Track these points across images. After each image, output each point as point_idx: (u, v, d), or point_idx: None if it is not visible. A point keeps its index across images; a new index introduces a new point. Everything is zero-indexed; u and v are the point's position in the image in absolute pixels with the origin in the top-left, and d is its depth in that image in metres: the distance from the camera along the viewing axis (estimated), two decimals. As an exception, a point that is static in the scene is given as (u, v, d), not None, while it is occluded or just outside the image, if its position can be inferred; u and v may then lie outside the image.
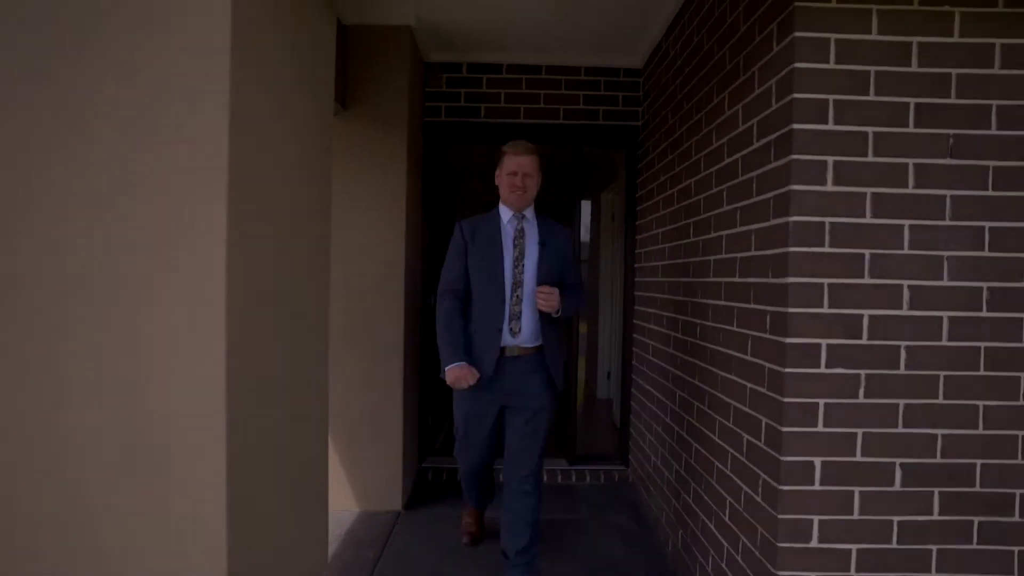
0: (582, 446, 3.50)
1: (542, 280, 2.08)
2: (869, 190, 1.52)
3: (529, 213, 2.18)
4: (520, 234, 2.13)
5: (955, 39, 1.51)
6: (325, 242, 1.73)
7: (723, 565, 1.92)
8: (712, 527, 2.03)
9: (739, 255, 1.85)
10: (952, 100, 1.52)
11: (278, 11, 1.30)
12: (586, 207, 5.45)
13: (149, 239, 1.05)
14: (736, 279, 1.87)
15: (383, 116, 2.75)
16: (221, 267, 1.05)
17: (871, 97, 1.52)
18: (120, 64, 1.03)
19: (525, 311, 2.08)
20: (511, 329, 2.07)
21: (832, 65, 1.51)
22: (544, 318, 2.11)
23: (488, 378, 2.07)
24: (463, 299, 2.14)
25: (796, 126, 1.51)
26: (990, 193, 1.53)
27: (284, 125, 1.36)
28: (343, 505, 2.78)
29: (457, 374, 2.03)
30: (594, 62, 3.22)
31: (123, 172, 1.03)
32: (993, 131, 1.52)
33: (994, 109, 1.52)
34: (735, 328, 1.86)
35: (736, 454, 1.84)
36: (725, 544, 1.90)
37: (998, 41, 1.51)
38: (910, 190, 1.53)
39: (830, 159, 1.52)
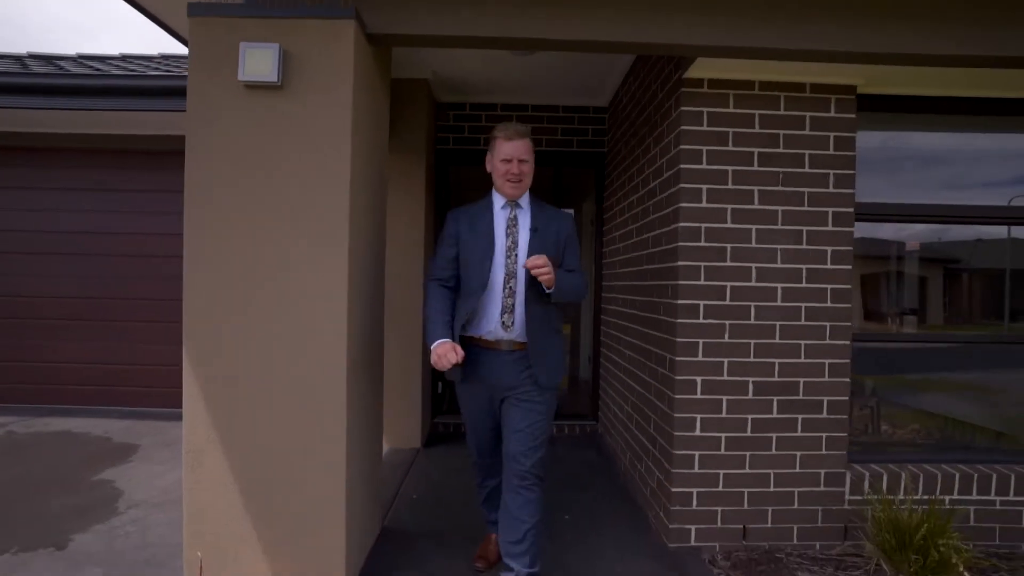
0: (564, 409, 4.37)
1: None
2: (729, 206, 2.41)
3: (524, 200, 2.06)
4: (513, 222, 2.01)
5: (781, 112, 2.40)
6: (383, 243, 2.57)
7: (649, 463, 2.78)
8: (645, 441, 2.89)
9: (657, 249, 2.72)
10: (780, 150, 2.41)
11: (371, 106, 2.16)
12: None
13: (301, 249, 1.91)
14: (656, 266, 2.74)
15: (408, 147, 3.62)
16: (344, 258, 1.92)
17: (729, 148, 2.40)
18: (302, 164, 1.90)
19: (518, 304, 1.94)
20: (503, 323, 1.94)
21: (705, 127, 2.40)
22: (536, 311, 1.96)
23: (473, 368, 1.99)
24: (451, 288, 2.05)
25: (683, 166, 2.40)
26: (806, 208, 2.41)
27: (368, 173, 2.20)
28: (375, 444, 3.63)
29: (440, 351, 1.86)
30: (569, 102, 4.12)
31: (304, 208, 1.90)
32: (807, 169, 2.41)
33: (807, 156, 2.41)
34: (655, 299, 2.74)
35: (655, 383, 2.70)
36: (650, 448, 2.77)
37: (807, 114, 2.40)
38: (755, 206, 2.41)
39: (704, 186, 2.40)
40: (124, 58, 5.89)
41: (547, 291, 1.89)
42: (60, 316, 4.33)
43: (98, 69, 4.44)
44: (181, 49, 8.43)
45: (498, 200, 2.07)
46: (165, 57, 6.10)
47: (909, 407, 2.83)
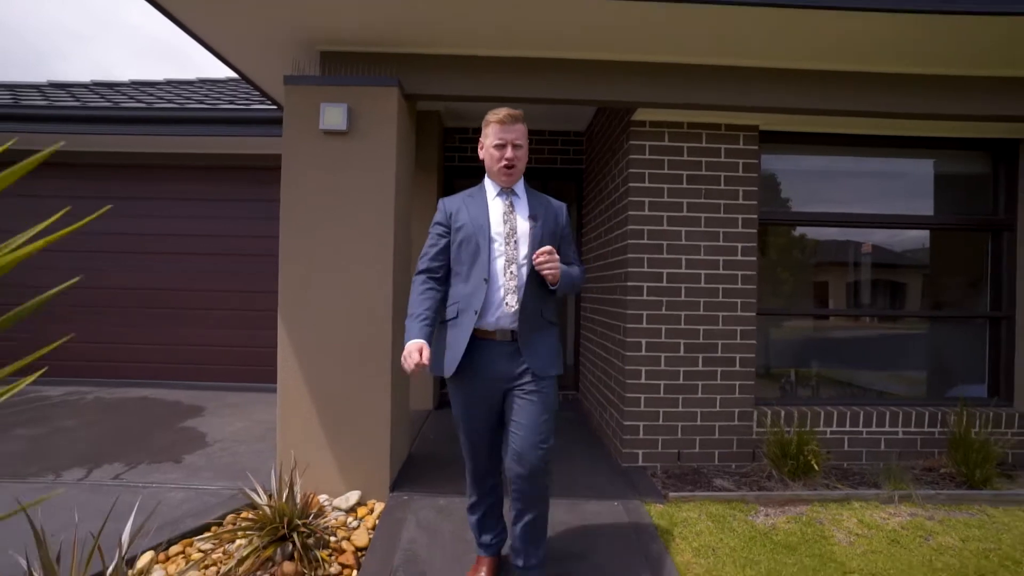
0: (549, 381, 5.21)
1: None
2: (665, 214, 3.27)
3: (519, 188, 2.00)
4: (510, 209, 1.94)
5: (703, 144, 3.27)
6: (410, 241, 3.41)
7: (611, 409, 3.63)
8: (607, 393, 3.74)
9: (616, 245, 3.59)
10: (703, 172, 3.28)
11: (405, 142, 3.00)
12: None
13: (361, 262, 2.76)
14: (615, 258, 3.60)
15: (423, 164, 4.48)
16: (390, 251, 2.78)
17: (665, 171, 3.27)
18: (354, 191, 2.75)
19: (520, 291, 1.88)
20: (507, 303, 1.87)
21: (647, 156, 3.27)
22: (531, 301, 1.90)
23: (458, 367, 1.88)
24: (441, 280, 1.98)
25: (631, 184, 3.26)
26: (722, 215, 3.28)
27: (403, 187, 3.05)
28: (396, 405, 4.47)
29: (407, 350, 1.80)
30: (554, 127, 4.99)
31: (362, 215, 2.76)
32: (722, 186, 3.28)
33: (722, 177, 3.28)
34: (615, 283, 3.60)
35: (614, 347, 3.56)
36: (611, 397, 3.62)
37: (722, 146, 3.27)
38: (684, 213, 3.28)
39: (647, 199, 3.27)
40: (169, 83, 6.75)
41: (551, 287, 1.89)
42: (131, 305, 5.15)
43: (165, 97, 5.29)
44: (218, 73, 9.21)
45: (492, 188, 1.99)
46: (203, 81, 6.96)
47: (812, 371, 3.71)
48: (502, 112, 1.91)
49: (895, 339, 3.74)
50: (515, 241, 1.90)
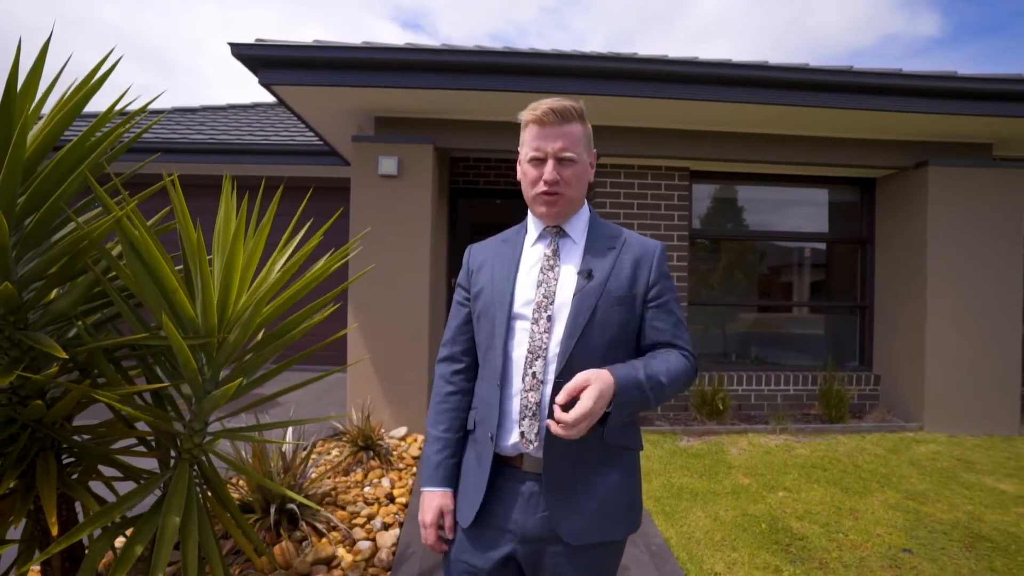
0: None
1: (584, 347, 1.06)
2: (624, 226, 4.48)
3: (575, 226, 1.21)
4: (551, 262, 1.15)
5: (649, 180, 4.51)
6: (441, 249, 4.57)
7: (584, 377, 4.84)
8: (582, 366, 4.95)
9: (587, 254, 4.80)
10: (649, 200, 4.51)
11: (437, 181, 4.15)
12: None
13: (407, 266, 3.92)
14: (587, 263, 4.82)
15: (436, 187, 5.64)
16: (427, 256, 3.94)
17: (622, 199, 4.50)
18: (401, 217, 3.91)
19: (546, 403, 1.07)
20: (522, 433, 1.08)
21: (609, 189, 4.49)
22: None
23: (468, 522, 1.13)
24: (468, 371, 1.25)
25: (597, 210, 4.48)
26: (663, 232, 4.52)
27: (435, 212, 4.21)
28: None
29: (426, 515, 1.17)
30: (539, 156, 6.19)
31: (407, 234, 3.92)
32: (663, 211, 4.52)
33: (663, 203, 4.52)
34: (586, 282, 4.81)
35: (587, 330, 4.77)
36: (584, 368, 4.83)
37: (663, 181, 4.51)
38: (636, 232, 4.50)
39: (609, 221, 4.48)
40: (230, 107, 7.79)
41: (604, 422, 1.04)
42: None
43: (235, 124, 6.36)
44: (265, 97, 10.23)
45: (534, 226, 1.23)
46: (256, 105, 8.01)
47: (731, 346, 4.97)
48: (542, 107, 1.13)
49: (800, 322, 5.03)
50: (548, 316, 1.10)
